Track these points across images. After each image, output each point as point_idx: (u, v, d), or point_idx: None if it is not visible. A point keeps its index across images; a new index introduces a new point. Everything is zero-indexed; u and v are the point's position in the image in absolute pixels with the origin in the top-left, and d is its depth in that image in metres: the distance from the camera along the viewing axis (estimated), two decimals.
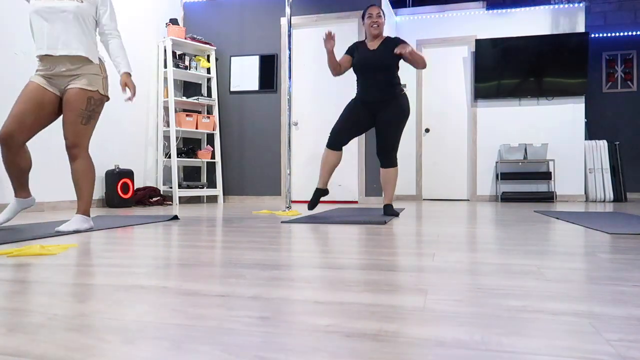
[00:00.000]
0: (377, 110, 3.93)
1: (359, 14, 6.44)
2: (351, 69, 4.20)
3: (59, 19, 2.77)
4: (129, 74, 2.94)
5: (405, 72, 7.60)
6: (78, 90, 2.79)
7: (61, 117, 2.93)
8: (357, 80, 4.02)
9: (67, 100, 2.79)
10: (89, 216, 2.89)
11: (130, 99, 2.94)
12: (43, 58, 2.81)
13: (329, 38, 3.77)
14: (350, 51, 4.03)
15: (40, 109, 2.79)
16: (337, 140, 3.94)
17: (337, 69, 3.95)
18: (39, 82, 2.81)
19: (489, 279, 1.45)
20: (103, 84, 2.89)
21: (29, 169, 2.92)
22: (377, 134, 3.96)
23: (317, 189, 4.01)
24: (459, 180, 7.48)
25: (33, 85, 2.80)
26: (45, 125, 2.88)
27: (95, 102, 2.85)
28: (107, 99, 2.95)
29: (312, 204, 4.00)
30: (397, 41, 3.92)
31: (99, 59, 2.93)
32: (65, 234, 2.68)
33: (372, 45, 3.96)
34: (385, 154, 3.94)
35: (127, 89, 3.03)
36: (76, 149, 2.81)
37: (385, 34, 6.65)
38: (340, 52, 6.51)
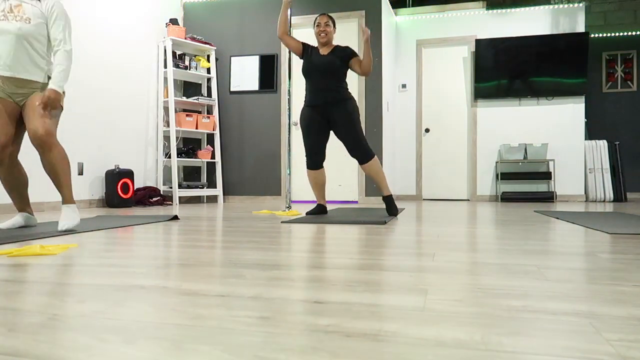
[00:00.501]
0: (328, 113, 3.98)
1: (359, 14, 6.45)
2: (300, 71, 4.26)
3: (3, 41, 2.77)
4: (55, 91, 2.81)
5: (406, 72, 7.60)
6: (39, 95, 2.84)
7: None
8: (305, 88, 4.08)
9: (31, 103, 2.81)
10: (74, 202, 2.91)
11: (44, 108, 2.79)
12: None
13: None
14: (304, 46, 4.09)
15: (12, 118, 2.86)
16: (315, 161, 4.08)
17: (284, 27, 4.03)
18: (1, 95, 2.84)
19: (489, 279, 1.45)
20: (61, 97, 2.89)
21: (27, 183, 3.01)
22: (342, 139, 4.00)
23: (318, 204, 4.14)
24: (459, 180, 7.48)
25: None
26: (22, 134, 2.96)
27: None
28: (62, 108, 2.93)
29: (312, 213, 4.06)
30: (347, 52, 4.00)
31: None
32: (70, 233, 2.68)
33: (324, 51, 4.06)
34: (357, 150, 3.95)
35: (45, 102, 2.81)
36: (50, 137, 2.79)
37: (385, 33, 6.65)
38: None
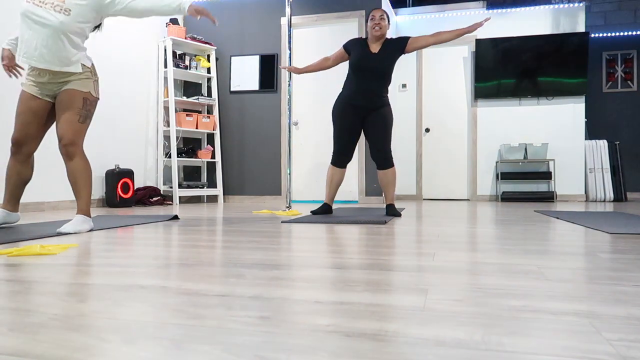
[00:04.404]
0: (366, 115, 3.98)
1: (359, 13, 6.44)
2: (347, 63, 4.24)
3: (41, 31, 2.70)
4: (191, 5, 2.83)
5: (406, 72, 7.60)
6: (72, 90, 2.78)
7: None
8: (348, 79, 4.00)
9: (62, 100, 2.78)
10: (90, 216, 2.87)
11: (214, 21, 3.02)
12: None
13: (289, 70, 4.18)
14: (348, 47, 4.05)
15: (39, 117, 2.84)
16: (343, 159, 4.03)
17: (321, 69, 4.13)
18: (31, 91, 2.82)
19: (489, 279, 1.45)
20: (94, 86, 2.88)
21: (27, 182, 2.97)
22: (370, 140, 3.98)
23: (325, 203, 4.11)
24: (459, 180, 7.48)
25: (25, 95, 2.83)
26: (47, 130, 2.94)
27: (90, 103, 2.85)
28: (98, 99, 2.95)
29: (317, 213, 4.05)
30: (398, 41, 3.94)
31: (91, 64, 2.88)
32: (66, 234, 2.68)
33: (374, 47, 3.97)
34: (381, 156, 3.96)
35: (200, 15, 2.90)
36: (73, 146, 2.79)
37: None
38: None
